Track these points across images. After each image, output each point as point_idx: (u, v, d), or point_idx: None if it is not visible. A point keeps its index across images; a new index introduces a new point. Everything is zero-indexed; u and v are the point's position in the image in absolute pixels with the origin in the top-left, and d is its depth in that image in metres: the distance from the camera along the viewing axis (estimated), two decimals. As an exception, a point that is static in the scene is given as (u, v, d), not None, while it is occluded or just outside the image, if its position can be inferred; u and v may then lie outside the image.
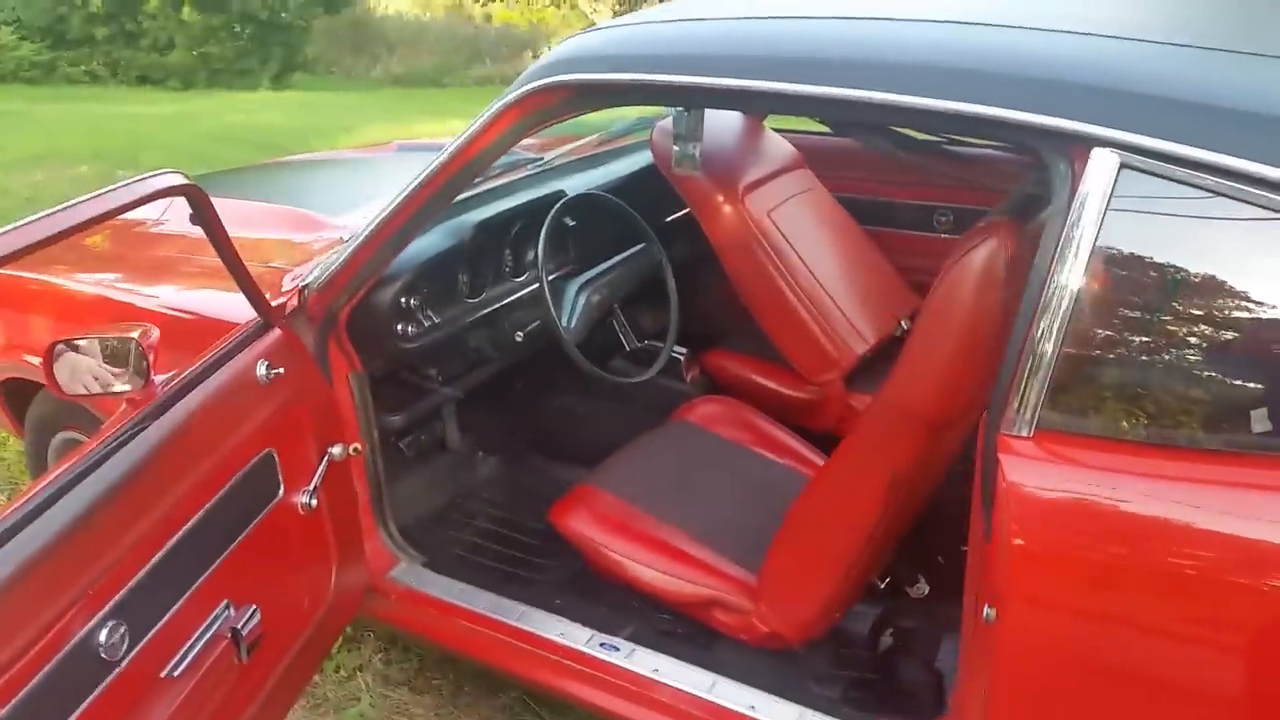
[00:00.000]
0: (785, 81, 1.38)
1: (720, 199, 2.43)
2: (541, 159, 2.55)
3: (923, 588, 2.03)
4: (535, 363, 2.42)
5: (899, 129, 1.59)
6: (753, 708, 1.64)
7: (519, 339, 2.17)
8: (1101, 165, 1.18)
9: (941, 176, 1.54)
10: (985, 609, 1.28)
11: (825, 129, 3.11)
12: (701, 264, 2.72)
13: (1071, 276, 1.20)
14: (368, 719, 2.17)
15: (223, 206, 2.58)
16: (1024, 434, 1.24)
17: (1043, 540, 1.21)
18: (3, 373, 2.38)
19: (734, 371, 2.64)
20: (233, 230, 2.46)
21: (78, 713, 1.21)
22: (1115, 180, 1.17)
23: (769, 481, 2.12)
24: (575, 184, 2.48)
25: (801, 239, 2.52)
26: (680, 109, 2.23)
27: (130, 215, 2.64)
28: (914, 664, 1.82)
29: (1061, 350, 1.21)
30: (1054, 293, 1.21)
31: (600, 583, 1.95)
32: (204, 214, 1.42)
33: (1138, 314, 1.20)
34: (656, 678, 1.74)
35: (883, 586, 1.91)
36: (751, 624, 1.76)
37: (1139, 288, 1.19)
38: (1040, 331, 1.22)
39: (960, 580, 1.73)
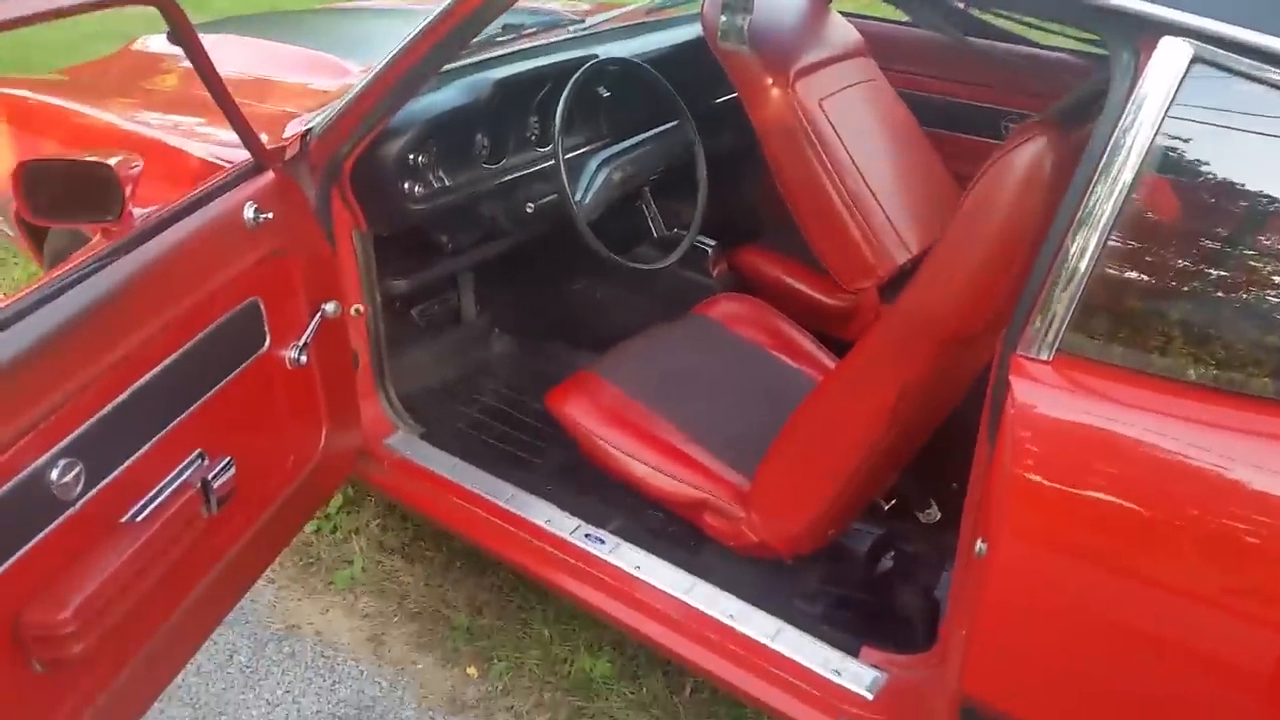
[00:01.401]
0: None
1: (768, 80, 2.24)
2: (584, 22, 2.39)
3: (934, 513, 1.93)
4: (557, 241, 2.30)
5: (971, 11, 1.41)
6: (731, 616, 1.57)
7: (530, 210, 2.06)
8: (1169, 56, 1.01)
9: (1036, 80, 1.37)
10: (978, 543, 1.18)
11: (895, 17, 2.90)
12: (746, 154, 2.56)
13: (1118, 185, 1.05)
14: (358, 582, 2.17)
15: (251, 45, 2.51)
16: (1042, 356, 1.11)
17: (1045, 472, 1.09)
18: (18, 201, 2.35)
19: (764, 270, 2.50)
20: (258, 70, 2.37)
21: (23, 550, 1.17)
22: (1184, 75, 1.01)
23: (782, 387, 2.01)
24: (614, 50, 2.31)
25: (853, 133, 2.34)
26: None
27: (162, 50, 2.62)
28: (911, 590, 1.73)
29: (1096, 268, 1.07)
30: (1095, 202, 1.06)
31: (594, 474, 1.87)
32: (181, 31, 1.32)
33: (1191, 236, 1.05)
34: (637, 574, 1.69)
35: (887, 508, 1.80)
36: (740, 531, 1.68)
37: (1196, 205, 1.04)
38: (1075, 245, 1.07)
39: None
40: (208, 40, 2.56)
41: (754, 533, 1.66)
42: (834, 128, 2.30)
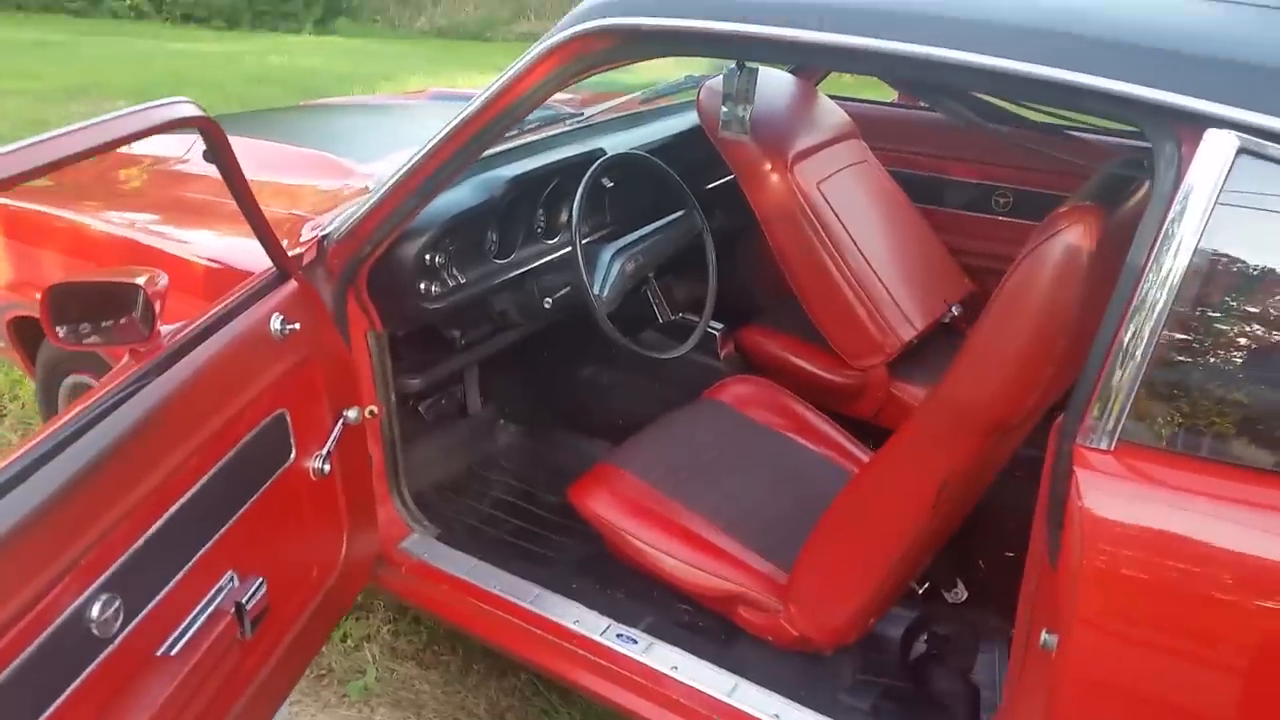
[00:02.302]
0: (860, 35, 1.24)
1: (768, 166, 2.29)
2: (582, 114, 2.42)
3: (960, 593, 1.92)
4: (562, 330, 2.30)
5: (981, 96, 1.45)
6: (776, 716, 1.53)
7: (548, 305, 2.05)
8: (1215, 148, 1.04)
9: (1031, 157, 1.40)
10: (1044, 634, 1.16)
11: (880, 99, 2.98)
12: (742, 235, 2.59)
13: (1171, 274, 1.06)
14: (373, 693, 2.10)
15: (249, 147, 2.51)
16: (1103, 446, 1.11)
17: (1117, 564, 1.08)
18: (14, 310, 2.31)
19: (770, 350, 2.51)
20: (256, 172, 2.36)
21: (66, 694, 1.12)
22: (1230, 166, 1.03)
23: (803, 471, 2.00)
24: (616, 143, 2.34)
25: (851, 213, 2.38)
26: (732, 67, 2.10)
27: (154, 151, 2.62)
28: (949, 675, 1.71)
29: (1154, 355, 1.08)
30: (1149, 291, 1.07)
31: (619, 567, 1.84)
32: (218, 150, 1.31)
33: (1244, 322, 1.06)
34: (675, 675, 1.64)
35: (920, 592, 1.79)
36: (779, 625, 1.65)
37: (1248, 292, 1.05)
38: (1131, 333, 1.08)
39: (1000, 586, 1.61)
40: (191, 140, 2.56)
41: (794, 626, 1.63)
42: (833, 209, 2.34)
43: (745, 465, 2.00)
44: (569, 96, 2.85)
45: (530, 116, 2.38)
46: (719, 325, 2.47)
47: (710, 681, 1.62)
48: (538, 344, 2.38)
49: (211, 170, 1.38)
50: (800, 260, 2.33)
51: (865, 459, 2.02)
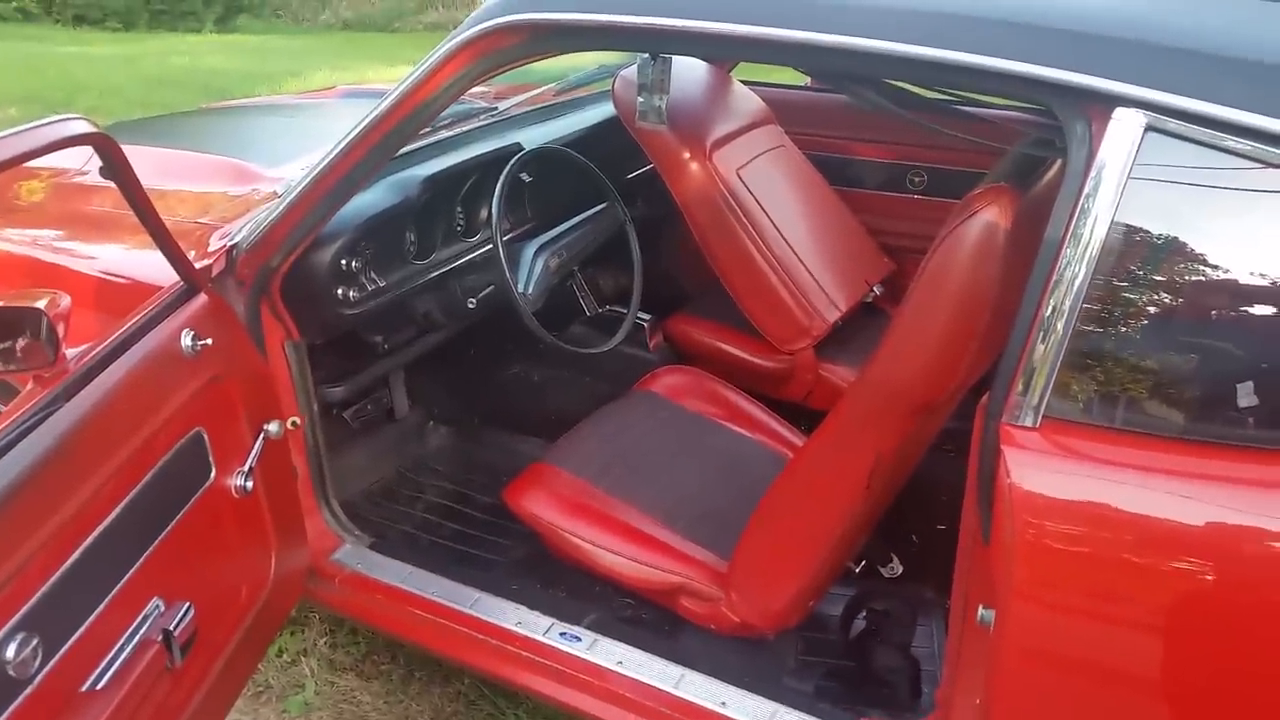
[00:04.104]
0: (768, 26, 1.24)
1: (686, 155, 2.29)
2: (496, 109, 2.39)
3: (895, 567, 1.95)
4: (489, 329, 2.27)
5: (893, 82, 1.46)
6: (723, 704, 1.53)
7: (472, 305, 2.02)
8: (1124, 127, 1.06)
9: (943, 137, 1.41)
10: (980, 610, 1.18)
11: (794, 82, 2.99)
12: (664, 224, 2.59)
13: (1087, 250, 1.08)
14: (314, 707, 2.05)
15: (151, 155, 2.42)
16: (1028, 424, 1.13)
17: (1048, 539, 1.10)
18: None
19: (698, 339, 2.52)
20: (160, 181, 2.28)
21: None
22: (1139, 144, 1.06)
23: (738, 458, 2.01)
24: (532, 136, 2.32)
25: (771, 199, 2.40)
26: (646, 57, 2.08)
27: (51, 164, 2.50)
28: (889, 650, 1.73)
29: (1074, 331, 1.10)
30: (1067, 268, 1.09)
31: (559, 566, 1.83)
32: (114, 165, 1.25)
33: (1160, 293, 1.09)
34: (620, 670, 1.63)
35: (857, 570, 1.81)
36: (721, 613, 1.66)
37: (1162, 264, 1.08)
38: (1051, 308, 1.10)
39: (934, 559, 1.64)
40: (89, 151, 2.46)
41: (735, 613, 1.64)
42: (753, 195, 2.35)
43: (681, 455, 2.00)
44: (483, 90, 2.81)
45: (445, 113, 2.36)
46: (647, 316, 2.46)
47: (656, 674, 1.61)
48: (464, 343, 2.34)
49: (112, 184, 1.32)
50: (723, 247, 2.34)
51: (798, 442, 2.04)
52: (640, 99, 2.13)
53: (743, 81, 2.71)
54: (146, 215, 1.37)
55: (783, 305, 2.33)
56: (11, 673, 1.09)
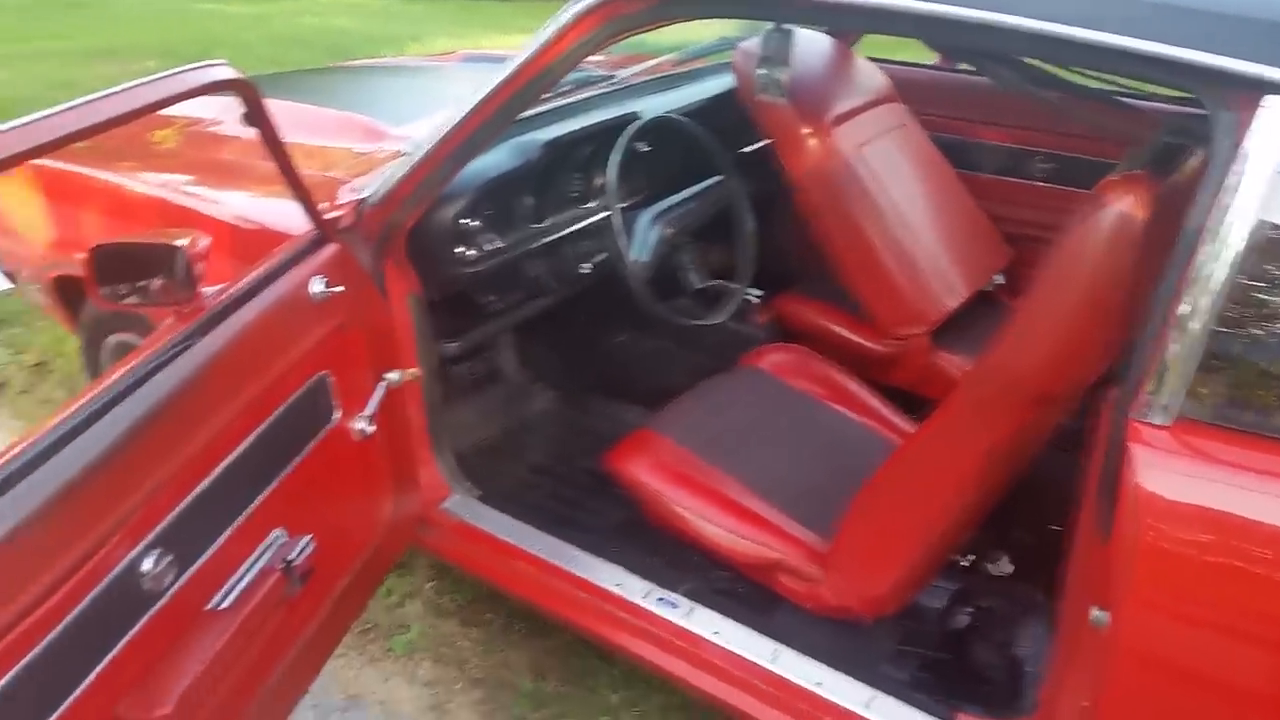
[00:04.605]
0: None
1: (806, 130, 2.26)
2: (614, 77, 2.40)
3: (1005, 565, 1.90)
4: (598, 296, 2.29)
5: (1029, 61, 1.41)
6: (819, 684, 1.53)
7: (584, 271, 2.04)
8: (1274, 115, 1.01)
9: (1075, 123, 1.36)
10: (1094, 611, 1.15)
11: (919, 60, 2.92)
12: (777, 200, 2.56)
13: (1230, 245, 1.03)
14: (416, 648, 2.13)
15: (282, 108, 2.50)
16: (1160, 422, 1.09)
17: (1172, 546, 1.06)
18: (56, 270, 2.32)
19: (807, 318, 2.49)
20: (290, 134, 2.36)
21: (119, 646, 1.14)
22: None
23: (842, 439, 1.99)
24: (650, 106, 2.31)
25: (892, 179, 2.35)
26: (769, 28, 2.06)
27: (188, 113, 2.61)
28: (990, 648, 1.70)
29: (1211, 330, 1.05)
30: (1206, 263, 1.05)
31: (657, 533, 1.84)
32: (257, 113, 1.30)
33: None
34: (717, 640, 1.64)
35: (964, 565, 1.77)
36: (819, 593, 1.65)
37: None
38: (1188, 307, 1.06)
39: (1046, 560, 1.59)
40: (225, 102, 2.55)
41: (834, 595, 1.63)
42: (873, 174, 2.31)
43: (785, 433, 1.99)
44: (600, 58, 2.82)
45: (565, 80, 2.38)
46: (756, 292, 2.45)
47: (752, 647, 1.62)
48: (573, 309, 2.37)
49: (245, 132, 1.37)
50: (838, 226, 2.30)
51: (905, 428, 2.01)
52: (760, 71, 2.10)
53: (868, 59, 2.66)
54: (284, 164, 1.43)
55: (896, 289, 2.28)
56: (147, 585, 1.16)
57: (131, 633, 1.14)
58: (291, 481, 1.45)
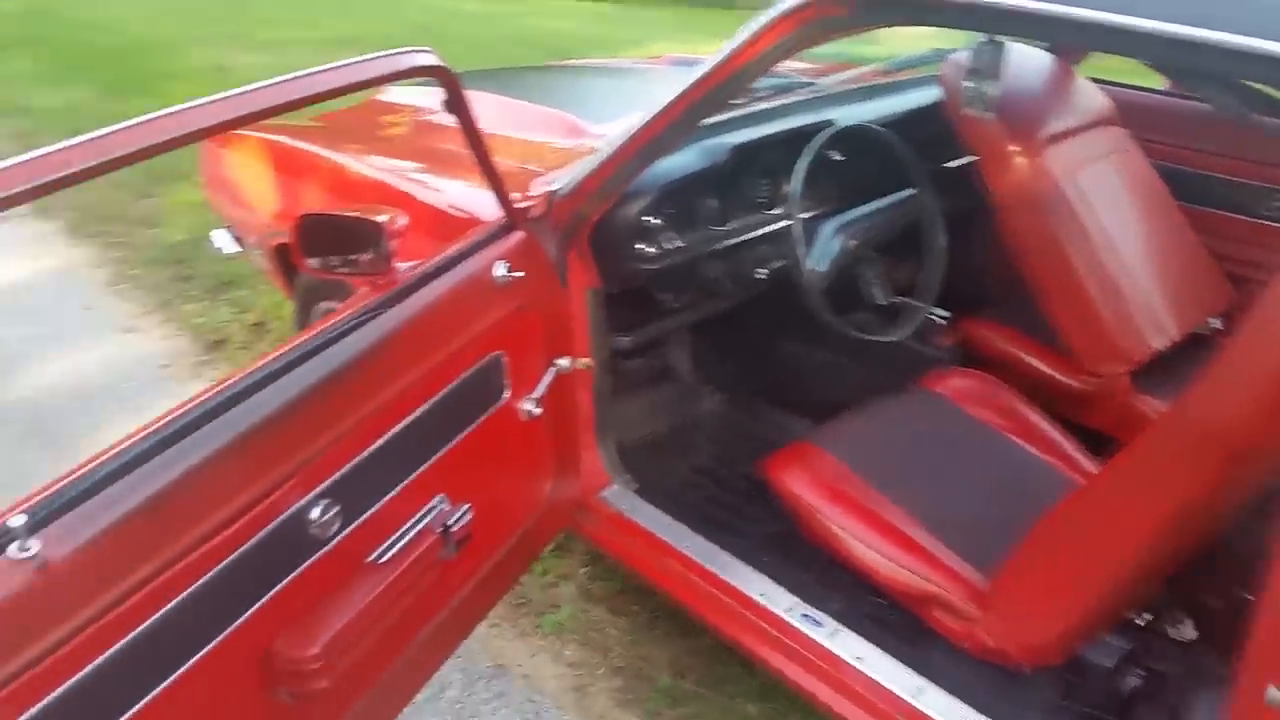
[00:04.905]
0: (1126, 14, 1.13)
1: (1014, 148, 2.15)
2: (815, 84, 2.36)
3: (1187, 630, 1.74)
4: (774, 303, 2.27)
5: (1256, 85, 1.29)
6: None
7: (760, 276, 2.03)
8: None
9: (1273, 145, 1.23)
10: (1271, 689, 1.04)
11: (1147, 83, 2.72)
12: (975, 219, 2.45)
13: None
14: (565, 629, 2.18)
15: (495, 102, 2.62)
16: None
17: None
18: (278, 238, 2.52)
19: (998, 345, 2.37)
20: (498, 127, 2.46)
21: (281, 585, 1.23)
22: None
23: (1020, 475, 1.88)
24: (848, 114, 2.26)
25: (1104, 206, 2.20)
26: (982, 40, 1.97)
27: (414, 102, 2.78)
28: (1159, 716, 1.57)
29: None
30: None
31: (809, 549, 1.81)
32: (456, 100, 1.37)
33: None
34: (859, 666, 1.60)
35: (1140, 623, 1.64)
36: (975, 633, 1.57)
37: None
38: None
39: (1234, 629, 1.45)
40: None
41: (990, 637, 1.54)
42: (1084, 199, 2.18)
43: (957, 462, 1.91)
44: (804, 66, 2.79)
45: (762, 84, 2.37)
46: (946, 314, 2.35)
47: (896, 679, 1.56)
48: (749, 315, 2.35)
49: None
50: (1041, 252, 2.18)
51: (1092, 470, 1.88)
52: (967, 84, 2.02)
53: (1091, 80, 2.50)
54: (480, 152, 1.49)
55: (1099, 322, 2.14)
56: (314, 532, 1.25)
57: (293, 574, 1.23)
58: (457, 452, 1.52)
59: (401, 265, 1.50)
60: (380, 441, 1.36)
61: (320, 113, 2.97)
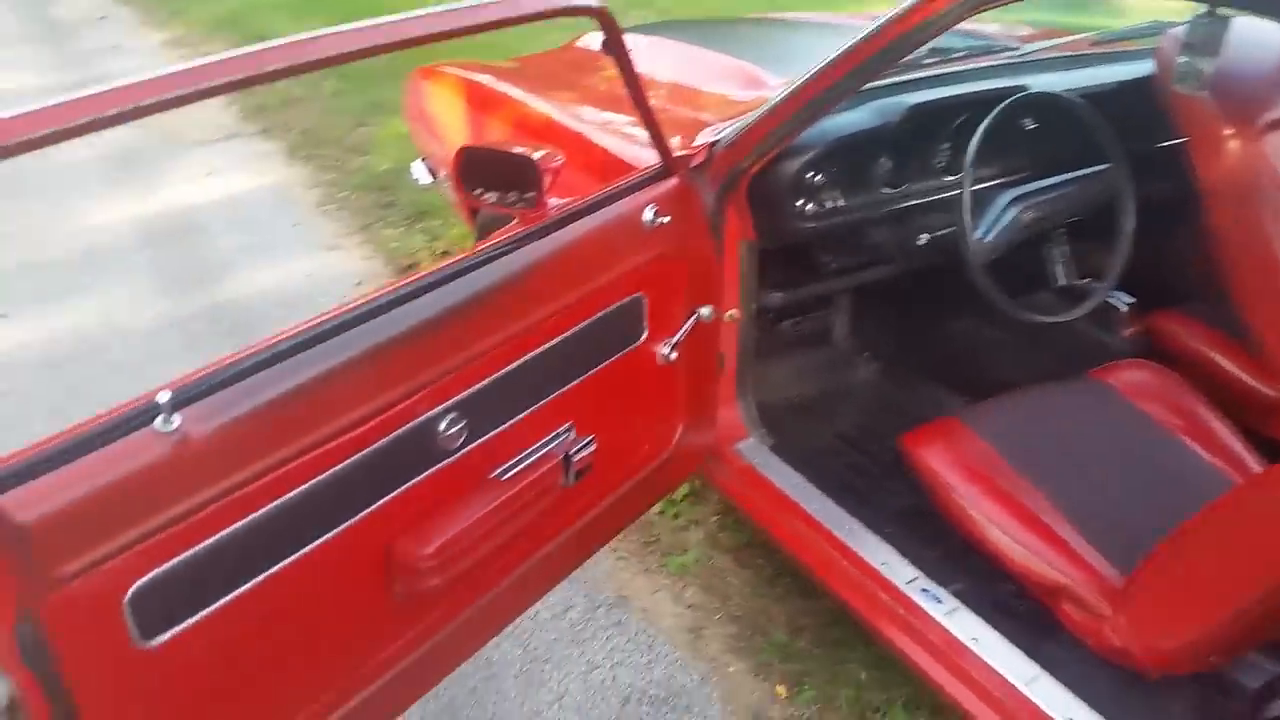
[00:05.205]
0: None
1: (1228, 131, 1.97)
2: (1018, 49, 2.24)
3: None
4: (946, 275, 2.19)
5: None
6: None
7: (921, 242, 1.96)
8: None
9: None
10: None
11: None
12: (1181, 208, 2.27)
13: None
14: (688, 572, 2.23)
15: (681, 51, 2.64)
16: None
17: None
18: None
19: (1185, 341, 2.20)
20: (681, 75, 2.49)
21: (407, 485, 1.32)
22: None
23: (1183, 478, 1.76)
24: (1045, 82, 2.14)
25: (1328, 201, 1.99)
26: (1203, 11, 1.81)
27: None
28: (1305, 750, 1.45)
29: None
30: None
31: (939, 527, 1.76)
32: (615, 42, 1.39)
33: None
34: (973, 647, 1.56)
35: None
36: (1102, 631, 1.49)
37: None
38: None
39: None
40: (642, 41, 2.72)
41: (1118, 636, 1.47)
42: (1305, 193, 1.97)
43: (1114, 456, 1.80)
44: (1012, 31, 2.65)
45: (960, 46, 2.27)
46: (1129, 299, 2.21)
47: (1010, 664, 1.52)
48: (916, 285, 2.29)
49: (659, 75, 1.46)
50: (1247, 247, 2.00)
51: (1265, 478, 1.73)
52: (1181, 59, 1.86)
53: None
54: (638, 96, 1.52)
55: (1305, 327, 1.95)
56: (439, 442, 1.33)
57: (417, 479, 1.32)
58: (588, 385, 1.57)
59: (554, 201, 1.56)
60: (513, 365, 1.42)
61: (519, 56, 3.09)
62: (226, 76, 0.98)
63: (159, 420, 1.03)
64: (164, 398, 1.04)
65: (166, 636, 1.09)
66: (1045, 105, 2.00)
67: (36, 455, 0.98)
